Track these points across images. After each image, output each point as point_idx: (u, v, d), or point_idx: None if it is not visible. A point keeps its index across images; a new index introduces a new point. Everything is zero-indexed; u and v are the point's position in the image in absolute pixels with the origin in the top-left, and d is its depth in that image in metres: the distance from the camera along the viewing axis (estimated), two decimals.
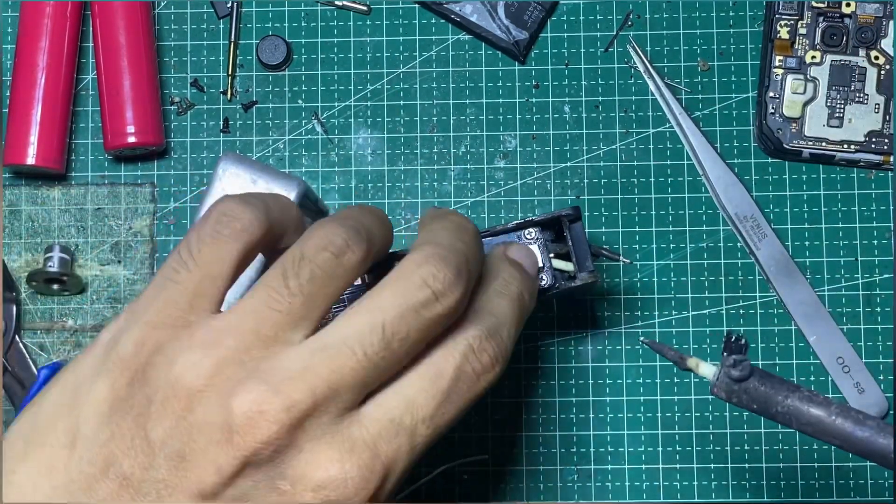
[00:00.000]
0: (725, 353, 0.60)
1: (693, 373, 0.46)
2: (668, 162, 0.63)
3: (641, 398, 0.61)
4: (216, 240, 0.40)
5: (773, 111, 0.61)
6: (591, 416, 0.61)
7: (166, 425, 0.38)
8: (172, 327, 0.39)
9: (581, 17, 0.63)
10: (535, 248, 0.54)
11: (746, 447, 0.61)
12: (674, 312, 0.62)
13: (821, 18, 0.61)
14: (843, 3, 0.61)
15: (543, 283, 0.53)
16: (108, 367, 0.39)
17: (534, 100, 0.63)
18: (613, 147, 0.63)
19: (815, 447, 0.61)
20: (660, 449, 0.61)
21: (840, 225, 0.62)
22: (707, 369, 0.45)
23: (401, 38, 0.64)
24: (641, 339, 0.54)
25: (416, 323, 0.39)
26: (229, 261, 0.40)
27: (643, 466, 0.61)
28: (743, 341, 0.61)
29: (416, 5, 0.64)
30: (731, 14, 0.63)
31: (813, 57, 0.61)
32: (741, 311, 0.62)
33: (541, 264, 0.53)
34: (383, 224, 0.44)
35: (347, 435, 0.38)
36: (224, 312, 0.40)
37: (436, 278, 0.40)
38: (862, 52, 0.61)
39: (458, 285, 0.40)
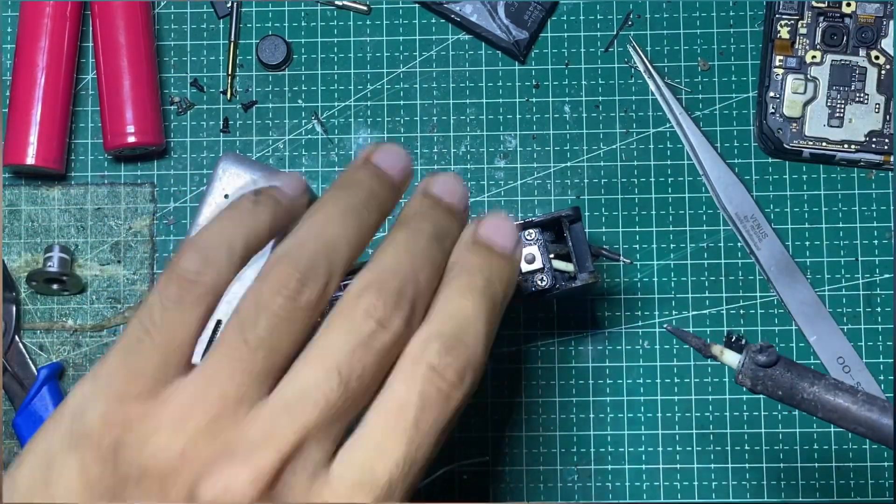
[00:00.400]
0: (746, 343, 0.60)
1: (717, 360, 0.45)
2: (668, 162, 0.63)
3: (641, 398, 0.61)
4: (179, 306, 0.39)
5: (773, 111, 0.61)
6: (591, 416, 0.61)
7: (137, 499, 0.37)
8: (139, 400, 0.38)
9: (581, 17, 0.63)
10: (535, 248, 0.54)
11: (746, 447, 0.61)
12: (674, 312, 0.62)
13: (821, 18, 0.61)
14: (844, 3, 0.61)
15: (544, 283, 0.53)
16: (77, 444, 0.37)
17: (534, 100, 0.63)
18: (613, 147, 0.63)
19: (816, 447, 0.61)
20: (660, 449, 0.61)
21: (840, 225, 0.62)
22: (731, 356, 0.45)
23: (401, 38, 0.64)
24: (665, 326, 0.53)
25: (368, 357, 0.38)
26: (195, 324, 0.39)
27: (643, 466, 0.61)
28: (743, 341, 0.61)
29: (416, 5, 0.64)
30: (731, 14, 0.63)
31: (813, 57, 0.61)
32: (741, 311, 0.62)
33: (541, 265, 0.53)
34: (357, 216, 0.41)
35: (320, 496, 0.37)
36: (191, 377, 0.38)
37: (376, 307, 0.38)
38: (862, 52, 0.61)
39: (402, 307, 0.38)
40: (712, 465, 0.61)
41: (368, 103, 0.64)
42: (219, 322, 0.52)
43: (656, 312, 0.62)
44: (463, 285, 0.41)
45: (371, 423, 0.38)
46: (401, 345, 0.39)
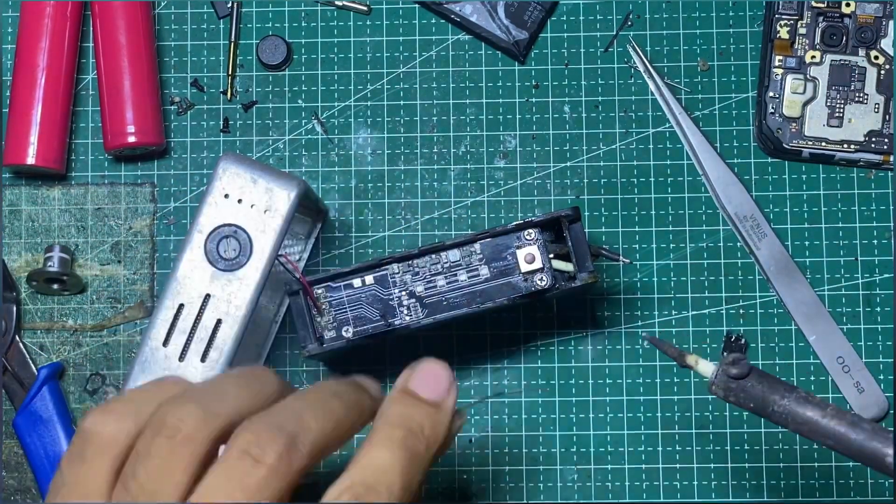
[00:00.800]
0: (725, 353, 0.60)
1: (692, 370, 0.46)
2: (668, 162, 0.63)
3: (641, 398, 0.61)
4: (84, 464, 0.40)
5: (772, 111, 0.61)
6: (591, 416, 0.61)
7: None
8: None
9: (581, 17, 0.63)
10: (535, 248, 0.54)
11: (746, 447, 0.61)
12: (674, 312, 0.62)
13: (821, 18, 0.61)
14: (843, 3, 0.61)
15: (543, 283, 0.53)
16: None
17: (534, 100, 0.63)
18: (613, 147, 0.63)
19: (816, 447, 0.61)
20: (660, 449, 0.61)
21: (840, 225, 0.62)
22: (706, 367, 0.46)
23: (401, 38, 0.64)
24: (643, 334, 0.53)
25: (241, 494, 0.38)
26: (96, 483, 0.40)
27: (643, 466, 0.61)
28: (743, 341, 0.61)
29: (416, 5, 0.64)
30: (731, 14, 0.63)
31: (813, 57, 0.61)
32: (741, 311, 0.62)
33: (541, 265, 0.53)
34: (248, 386, 0.42)
35: None
36: None
37: (250, 443, 0.38)
38: (862, 52, 0.61)
39: (280, 438, 0.39)
40: (712, 465, 0.61)
41: (368, 103, 0.64)
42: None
43: (656, 312, 0.62)
44: (381, 437, 0.41)
45: None
46: (278, 483, 0.38)
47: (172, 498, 0.38)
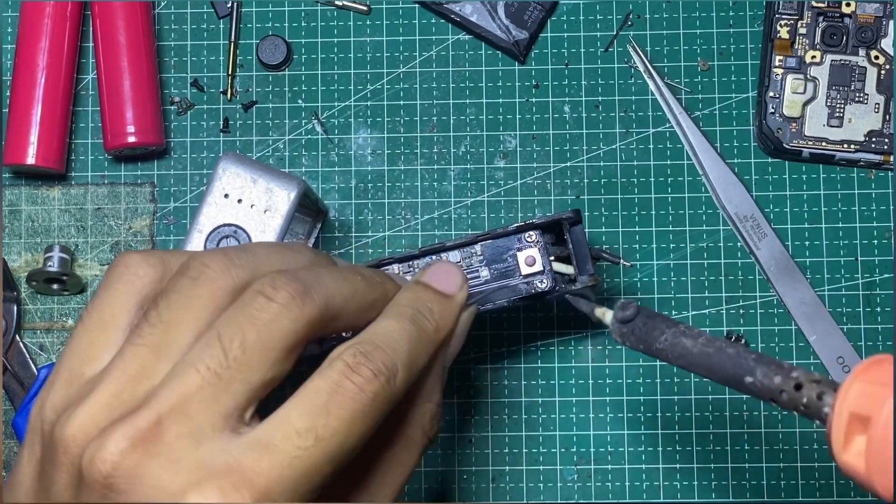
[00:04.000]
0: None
1: (602, 322, 0.48)
2: (668, 162, 0.63)
3: (641, 398, 0.61)
4: (109, 287, 0.42)
5: (773, 111, 0.61)
6: (591, 416, 0.61)
7: (61, 482, 0.39)
8: (78, 384, 0.41)
9: (581, 17, 0.63)
10: (535, 250, 0.54)
11: (746, 447, 0.61)
12: (674, 312, 0.62)
13: (821, 18, 0.61)
14: (843, 3, 0.61)
15: (544, 286, 0.53)
16: (30, 430, 0.41)
17: (534, 100, 0.63)
18: (613, 147, 0.63)
19: (816, 447, 0.61)
20: (660, 449, 0.61)
21: (840, 225, 0.62)
22: (609, 317, 0.47)
23: (401, 38, 0.64)
24: (567, 294, 0.54)
25: (251, 326, 0.39)
26: (121, 307, 0.42)
27: (643, 466, 0.61)
28: (743, 341, 0.61)
29: (416, 5, 0.64)
30: (731, 14, 0.63)
31: (813, 57, 0.61)
32: (741, 311, 0.62)
33: (541, 267, 0.53)
34: (279, 251, 0.44)
35: (207, 459, 0.38)
36: (108, 362, 0.41)
37: (264, 284, 0.40)
38: (862, 52, 0.61)
39: (293, 282, 0.40)
40: (712, 465, 0.61)
41: (368, 103, 0.64)
42: None
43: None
44: (391, 311, 0.44)
45: (282, 406, 0.39)
46: (290, 325, 0.40)
47: (187, 332, 0.40)
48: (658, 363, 0.61)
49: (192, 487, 0.37)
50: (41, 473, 0.40)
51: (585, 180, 0.63)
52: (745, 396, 0.60)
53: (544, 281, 0.53)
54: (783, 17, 0.61)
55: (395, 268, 0.55)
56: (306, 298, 0.40)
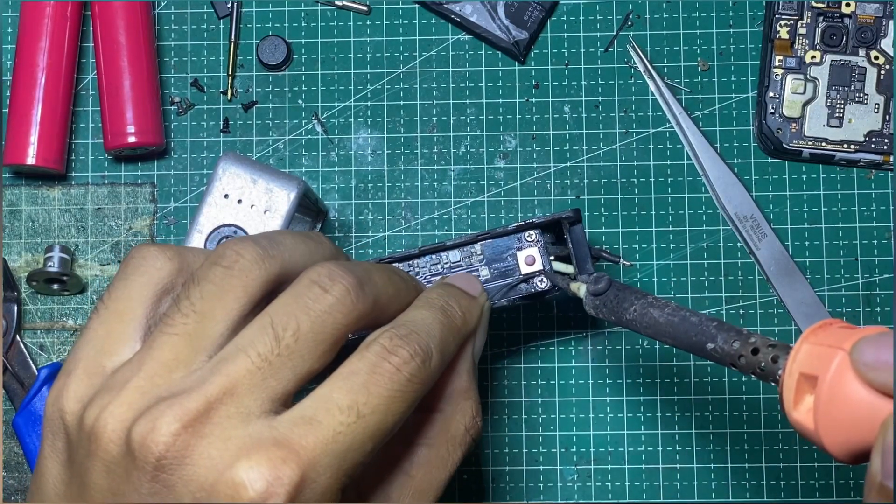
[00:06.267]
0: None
1: (576, 296, 0.49)
2: (668, 162, 0.63)
3: (641, 398, 0.61)
4: (126, 279, 0.43)
5: (772, 111, 0.61)
6: (591, 416, 0.61)
7: (98, 470, 0.39)
8: (90, 376, 0.41)
9: (581, 17, 0.63)
10: (535, 250, 0.54)
11: (746, 447, 0.61)
12: None
13: (821, 18, 0.61)
14: (843, 3, 0.61)
15: (544, 285, 0.53)
16: (47, 424, 0.42)
17: (534, 100, 0.63)
18: (613, 147, 0.63)
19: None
20: (660, 449, 0.61)
21: (840, 225, 0.62)
22: (583, 290, 0.49)
23: (401, 38, 0.64)
24: (545, 272, 0.54)
25: (305, 316, 0.40)
26: (139, 299, 0.42)
27: (643, 466, 0.61)
28: None
29: (416, 5, 0.64)
30: (731, 14, 0.63)
31: (813, 57, 0.61)
32: (741, 311, 0.62)
33: (541, 267, 0.53)
34: (305, 242, 0.44)
35: (255, 435, 0.38)
36: (138, 351, 0.41)
37: (321, 274, 0.41)
38: (862, 52, 0.61)
39: (349, 276, 0.41)
40: (712, 465, 0.61)
41: (368, 103, 0.64)
42: None
43: None
44: (421, 302, 0.46)
45: (323, 384, 0.40)
46: (342, 317, 0.41)
47: (221, 322, 0.40)
48: (658, 363, 0.61)
49: (243, 460, 0.38)
50: (69, 465, 0.40)
51: (585, 180, 0.63)
52: (744, 396, 0.61)
53: (544, 280, 0.53)
54: (783, 17, 0.61)
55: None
56: (360, 293, 0.41)
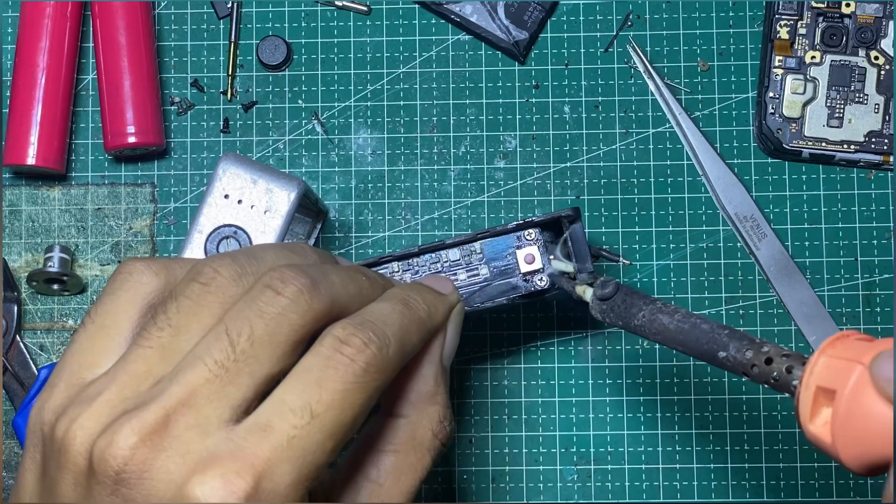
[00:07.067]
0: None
1: (582, 299, 0.49)
2: (668, 162, 0.63)
3: (641, 398, 0.61)
4: (112, 293, 0.43)
5: (772, 111, 0.61)
6: (591, 416, 0.61)
7: (67, 482, 0.39)
8: (69, 389, 0.41)
9: (581, 17, 0.63)
10: (535, 248, 0.54)
11: (746, 447, 0.61)
12: None
13: (820, 18, 0.61)
14: (843, 3, 0.61)
15: (543, 283, 0.53)
16: (30, 437, 0.42)
17: (534, 100, 0.63)
18: (613, 147, 0.63)
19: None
20: (660, 449, 0.61)
21: (840, 225, 0.62)
22: (589, 294, 0.48)
23: (401, 38, 0.64)
24: (549, 271, 0.54)
25: (259, 319, 0.40)
26: (124, 314, 0.42)
27: (643, 466, 0.61)
28: None
29: (416, 5, 0.64)
30: (731, 14, 0.63)
31: (813, 57, 0.61)
32: (741, 311, 0.62)
33: (541, 265, 0.53)
34: (287, 255, 0.44)
35: (213, 448, 0.38)
36: (113, 364, 0.41)
37: (273, 278, 0.41)
38: (862, 53, 0.61)
39: (302, 277, 0.41)
40: (712, 465, 0.61)
41: (368, 103, 0.64)
42: None
43: None
44: (383, 297, 0.45)
45: (278, 388, 0.40)
46: (296, 319, 0.40)
47: (196, 336, 0.40)
48: (658, 363, 0.61)
49: (198, 474, 0.37)
50: (43, 477, 0.40)
51: (585, 180, 0.63)
52: (744, 397, 0.61)
53: (544, 278, 0.53)
54: (783, 17, 0.61)
55: (395, 265, 0.55)
56: (314, 293, 0.41)
